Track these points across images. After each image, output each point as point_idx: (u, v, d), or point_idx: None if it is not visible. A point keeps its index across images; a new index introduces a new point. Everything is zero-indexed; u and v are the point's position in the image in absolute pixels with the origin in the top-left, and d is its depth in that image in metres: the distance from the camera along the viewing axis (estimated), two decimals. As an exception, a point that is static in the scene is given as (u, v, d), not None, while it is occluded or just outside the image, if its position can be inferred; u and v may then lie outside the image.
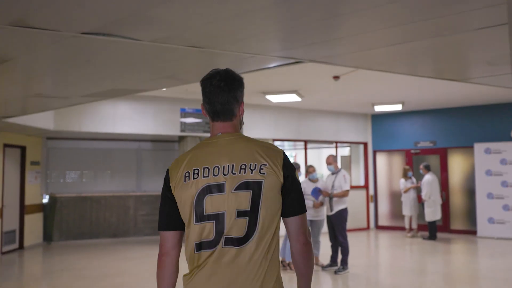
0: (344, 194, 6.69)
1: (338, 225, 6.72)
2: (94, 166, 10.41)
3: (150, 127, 8.99)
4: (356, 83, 8.17)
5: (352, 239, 10.06)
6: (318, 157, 13.83)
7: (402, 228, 11.13)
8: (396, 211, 11.52)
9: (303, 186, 6.90)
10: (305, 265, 1.71)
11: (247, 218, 1.60)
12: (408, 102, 10.21)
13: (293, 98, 9.08)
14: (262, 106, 10.38)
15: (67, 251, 8.89)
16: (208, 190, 1.63)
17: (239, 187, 1.61)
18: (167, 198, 1.70)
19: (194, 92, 8.60)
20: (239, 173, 1.63)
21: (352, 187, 11.63)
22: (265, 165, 1.64)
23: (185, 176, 1.66)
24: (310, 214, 6.89)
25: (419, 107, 10.94)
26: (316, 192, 6.78)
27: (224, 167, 1.64)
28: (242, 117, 1.83)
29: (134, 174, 10.72)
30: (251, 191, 1.61)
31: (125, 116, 8.86)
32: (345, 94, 9.24)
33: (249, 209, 1.60)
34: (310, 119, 11.12)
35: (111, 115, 8.75)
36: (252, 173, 1.62)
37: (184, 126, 8.45)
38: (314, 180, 7.03)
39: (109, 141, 10.48)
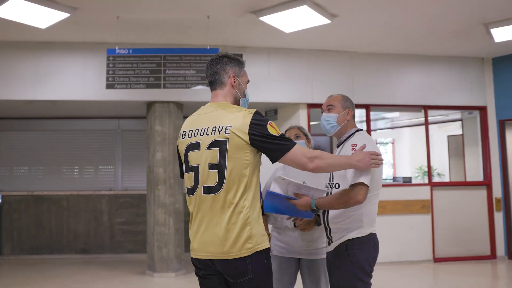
0: (346, 198, 2.39)
1: (343, 283, 2.54)
2: (53, 153, 7.73)
3: (81, 88, 5.91)
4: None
5: (465, 281, 5.59)
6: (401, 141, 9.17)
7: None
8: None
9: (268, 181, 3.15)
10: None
11: (217, 170, 2.02)
12: (561, 15, 5.31)
13: (313, 18, 5.11)
14: (284, 50, 6.55)
15: (13, 271, 6.46)
16: (191, 147, 2.12)
17: (211, 145, 2.04)
18: (178, 153, 2.26)
19: (128, 23, 5.24)
20: (211, 134, 2.06)
21: (461, 184, 7.04)
22: (230, 126, 2.02)
23: (180, 136, 2.21)
24: (298, 247, 3.02)
25: None
26: (273, 199, 2.61)
27: (202, 129, 2.10)
28: (241, 91, 2.24)
29: (111, 165, 7.78)
30: (218, 148, 2.02)
31: (49, 74, 5.93)
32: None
33: (217, 163, 2.02)
34: (373, 71, 6.82)
35: (30, 74, 5.93)
36: (219, 133, 2.03)
37: (112, 78, 5.13)
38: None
39: (78, 120, 7.73)
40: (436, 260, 6.67)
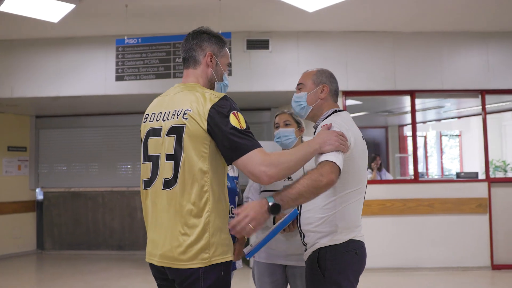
0: (317, 177, 1.76)
1: None
2: (89, 150, 7.88)
3: (103, 83, 5.89)
4: None
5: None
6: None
7: None
8: None
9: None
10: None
11: (173, 162, 1.75)
12: None
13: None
14: (314, 34, 6.12)
15: (48, 266, 6.69)
16: (151, 133, 1.86)
17: (169, 132, 1.78)
18: (140, 139, 1.97)
19: (137, 12, 5.10)
20: (170, 118, 1.80)
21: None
22: (189, 110, 1.75)
23: (142, 120, 1.95)
24: (282, 251, 2.62)
25: None
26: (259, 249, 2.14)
27: (165, 113, 1.83)
28: (218, 73, 1.97)
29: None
30: (175, 135, 1.76)
31: (72, 70, 5.99)
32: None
33: (173, 153, 1.75)
34: (419, 52, 6.13)
35: (54, 71, 6.03)
36: (177, 118, 1.77)
37: (122, 70, 5.01)
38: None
39: (113, 116, 7.82)
40: (495, 267, 5.85)
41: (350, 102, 7.14)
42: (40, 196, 7.83)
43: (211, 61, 1.94)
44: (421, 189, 5.96)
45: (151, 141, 1.86)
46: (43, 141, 8.00)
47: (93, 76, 5.95)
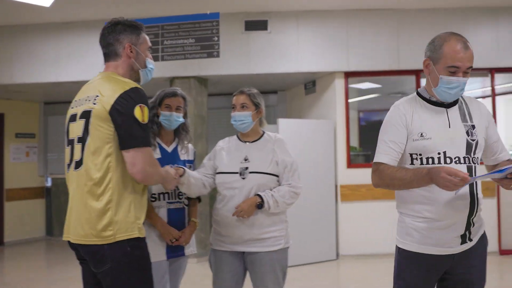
0: None
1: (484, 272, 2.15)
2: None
3: (101, 67, 5.98)
4: None
5: None
6: None
7: None
8: None
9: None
10: None
11: (81, 144, 1.95)
12: None
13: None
14: (314, 13, 6.09)
15: (53, 252, 6.97)
16: (71, 118, 2.04)
17: (81, 116, 1.97)
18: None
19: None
20: (83, 104, 1.98)
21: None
22: (98, 96, 1.93)
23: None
24: (238, 237, 2.55)
25: None
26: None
27: (81, 100, 2.01)
28: (141, 61, 2.10)
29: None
30: (85, 119, 1.94)
31: (70, 55, 6.15)
32: None
33: (81, 136, 1.95)
34: (424, 30, 6.00)
35: (53, 56, 6.21)
36: (88, 103, 1.95)
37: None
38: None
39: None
40: (503, 252, 5.76)
41: (367, 85, 6.96)
42: (49, 183, 8.10)
43: (131, 52, 2.06)
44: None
45: (71, 126, 2.04)
46: (52, 127, 8.23)
47: (90, 61, 6.05)
